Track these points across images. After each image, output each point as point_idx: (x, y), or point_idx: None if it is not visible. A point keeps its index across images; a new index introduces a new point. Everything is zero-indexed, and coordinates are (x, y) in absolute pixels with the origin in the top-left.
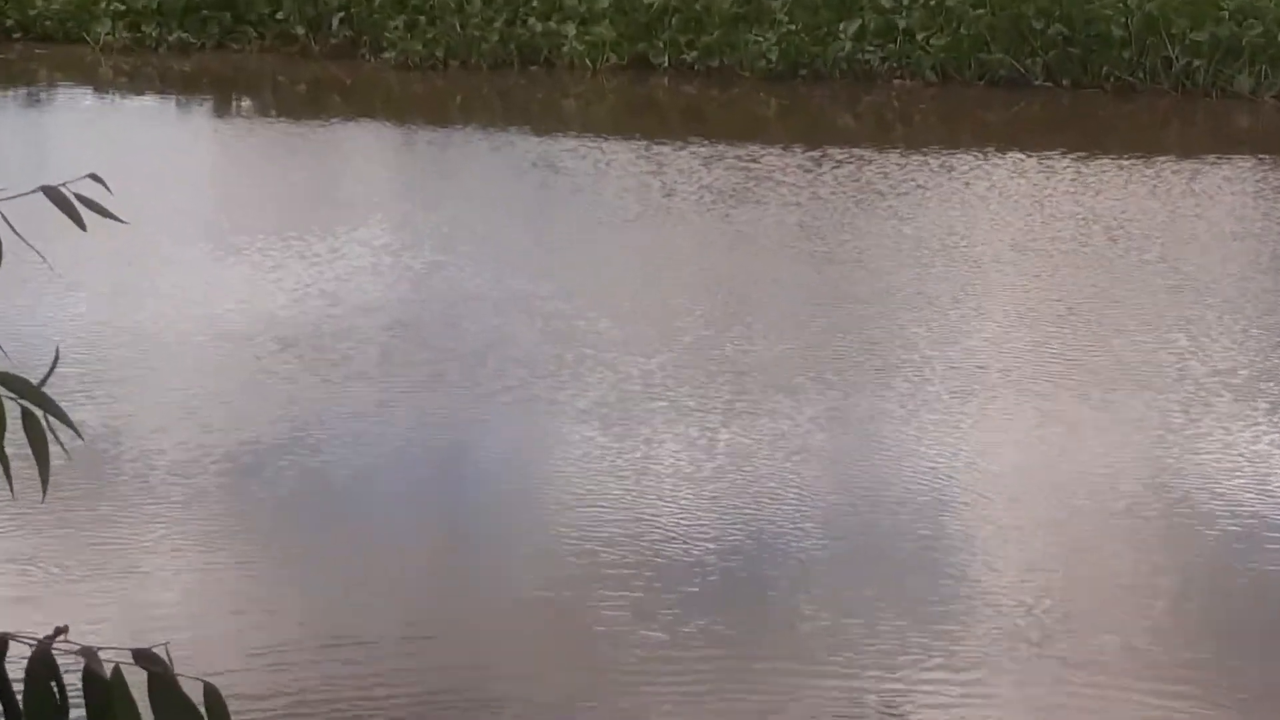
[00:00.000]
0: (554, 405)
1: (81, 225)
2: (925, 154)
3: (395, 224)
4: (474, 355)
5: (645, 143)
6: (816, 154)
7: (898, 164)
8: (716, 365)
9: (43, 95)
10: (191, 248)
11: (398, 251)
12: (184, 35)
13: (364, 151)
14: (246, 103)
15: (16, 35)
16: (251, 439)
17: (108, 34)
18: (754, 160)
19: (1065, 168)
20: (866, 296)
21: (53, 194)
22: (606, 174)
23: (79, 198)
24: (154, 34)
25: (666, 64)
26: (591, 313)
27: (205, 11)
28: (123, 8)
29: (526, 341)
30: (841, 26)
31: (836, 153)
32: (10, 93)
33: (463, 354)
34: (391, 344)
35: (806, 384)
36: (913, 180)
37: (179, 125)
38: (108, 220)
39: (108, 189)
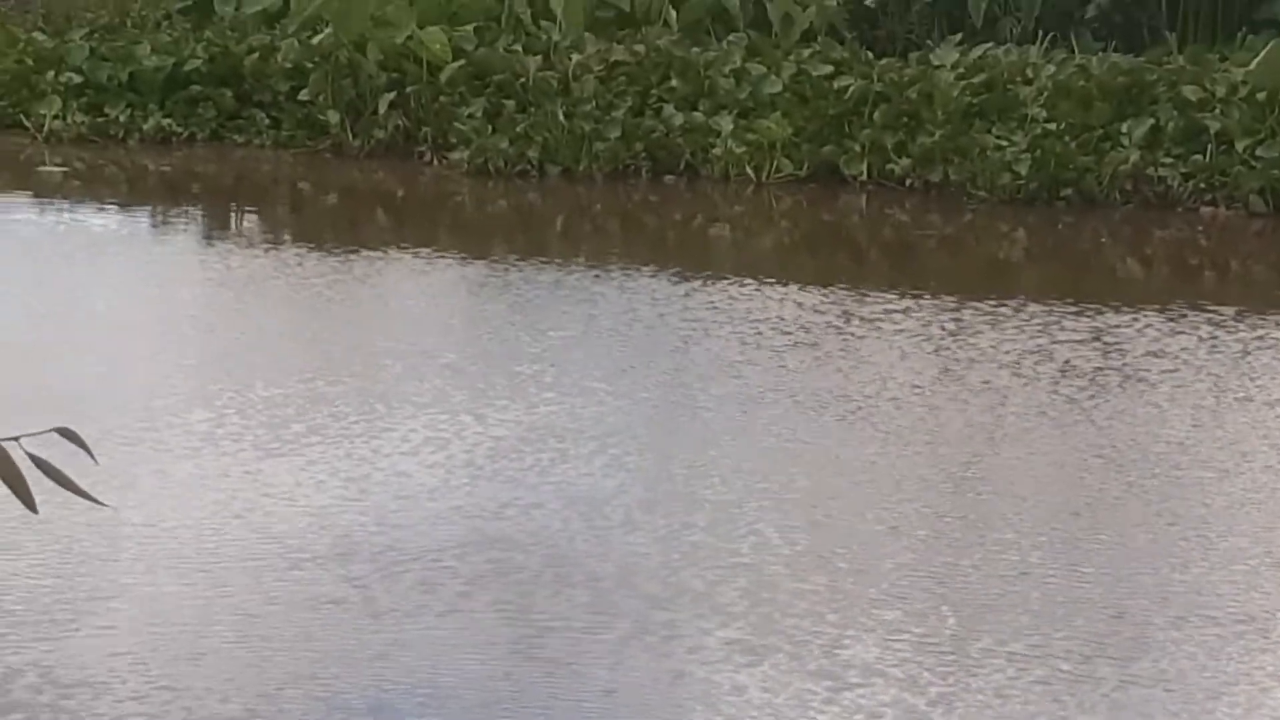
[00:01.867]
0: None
1: (33, 507)
2: (1249, 321)
3: (477, 402)
4: (649, 593)
5: (833, 291)
6: (1083, 316)
7: (1207, 335)
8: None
9: None
10: (182, 438)
11: (493, 442)
12: (166, 122)
13: (423, 296)
14: (252, 221)
15: None
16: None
17: (56, 117)
18: (988, 322)
19: None
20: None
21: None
22: (777, 335)
23: (38, 463)
24: (122, 119)
25: (865, 176)
26: (813, 550)
27: (197, 88)
28: (78, 80)
29: (727, 578)
30: (1124, 128)
31: (1114, 317)
32: None
33: (626, 587)
34: (516, 569)
35: None
36: (1231, 366)
37: (154, 255)
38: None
39: (86, 449)
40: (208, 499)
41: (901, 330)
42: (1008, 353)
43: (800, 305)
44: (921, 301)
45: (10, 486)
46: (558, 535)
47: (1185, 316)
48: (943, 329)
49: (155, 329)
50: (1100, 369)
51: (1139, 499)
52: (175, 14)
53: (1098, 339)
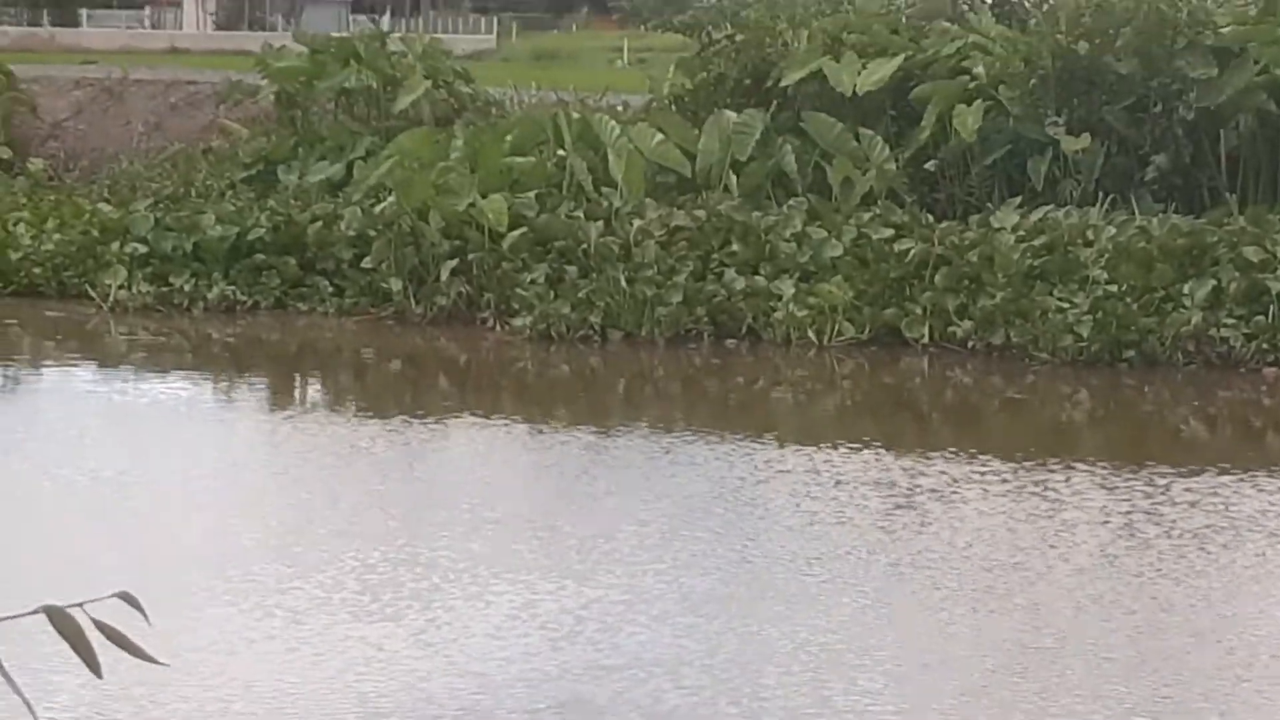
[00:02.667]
0: None
1: (97, 671)
2: None
3: (569, 566)
4: None
5: (892, 457)
6: (1145, 480)
7: (1272, 501)
8: None
9: (21, 378)
10: (281, 601)
11: (585, 606)
12: (229, 290)
13: (485, 464)
14: (316, 389)
15: None
16: None
17: (121, 287)
18: (1053, 490)
19: None
20: None
21: (61, 622)
22: (872, 499)
23: (100, 627)
24: (186, 288)
25: (926, 339)
26: None
27: (260, 256)
28: (143, 250)
29: None
30: (1186, 289)
31: (1182, 483)
32: None
33: None
34: None
35: None
36: None
37: (224, 424)
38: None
39: (142, 612)
40: (305, 663)
41: (986, 494)
42: (1110, 515)
43: (891, 469)
44: (1008, 465)
45: (75, 649)
46: (648, 699)
47: (1247, 480)
48: (1033, 491)
49: (235, 498)
50: (1200, 529)
51: (1240, 672)
52: (239, 183)
53: (1195, 502)
